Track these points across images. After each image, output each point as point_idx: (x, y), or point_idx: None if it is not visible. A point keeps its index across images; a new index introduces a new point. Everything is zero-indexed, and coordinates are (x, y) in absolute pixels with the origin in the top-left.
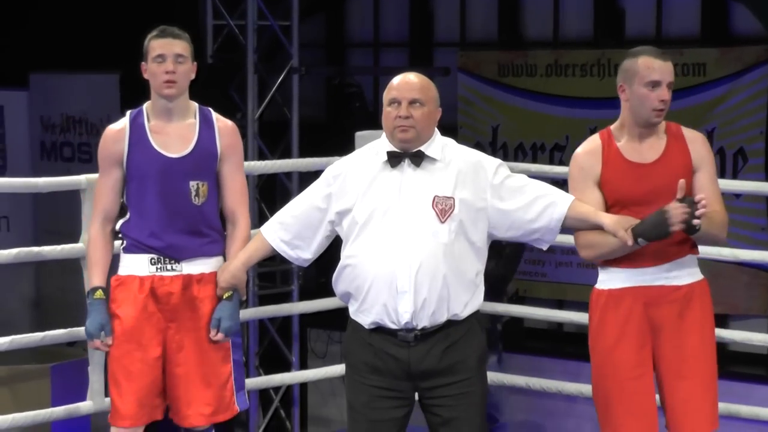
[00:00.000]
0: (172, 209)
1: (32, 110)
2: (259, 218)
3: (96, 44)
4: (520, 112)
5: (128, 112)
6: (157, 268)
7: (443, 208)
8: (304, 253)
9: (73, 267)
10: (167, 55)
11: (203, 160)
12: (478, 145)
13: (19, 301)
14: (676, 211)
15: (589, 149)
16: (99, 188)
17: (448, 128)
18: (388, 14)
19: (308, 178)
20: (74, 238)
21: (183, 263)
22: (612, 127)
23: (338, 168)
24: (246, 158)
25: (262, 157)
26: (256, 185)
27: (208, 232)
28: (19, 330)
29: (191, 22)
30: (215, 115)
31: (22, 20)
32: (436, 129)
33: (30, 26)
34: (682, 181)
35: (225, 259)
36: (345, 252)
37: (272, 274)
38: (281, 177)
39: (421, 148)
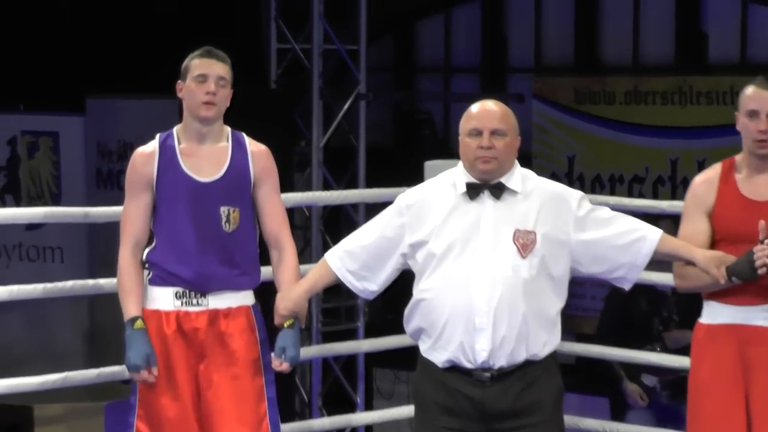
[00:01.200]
0: (202, 236)
1: (88, 136)
2: (323, 251)
3: (155, 68)
4: (597, 141)
5: (157, 135)
6: (182, 303)
7: (524, 243)
8: (370, 284)
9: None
10: (209, 76)
11: (235, 184)
12: (553, 176)
13: (73, 335)
14: (761, 252)
15: (706, 178)
16: (127, 213)
17: (522, 157)
18: (460, 38)
19: (375, 209)
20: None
21: (209, 297)
22: (737, 157)
23: (412, 197)
24: (310, 188)
25: (327, 186)
26: (320, 216)
27: (240, 262)
28: (74, 365)
29: (254, 45)
30: (248, 139)
31: (79, 42)
32: (516, 159)
33: (87, 48)
34: (762, 222)
35: (266, 292)
36: (420, 286)
37: (337, 310)
38: (347, 208)
39: (502, 180)
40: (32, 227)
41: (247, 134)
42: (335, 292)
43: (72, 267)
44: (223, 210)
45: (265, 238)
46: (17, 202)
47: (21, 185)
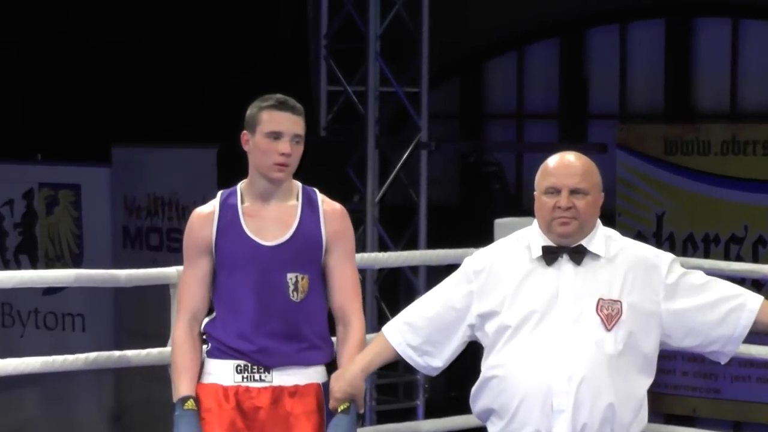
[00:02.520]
0: (266, 306)
1: (114, 190)
2: (378, 320)
3: (190, 113)
4: (690, 196)
5: (219, 193)
6: (243, 377)
7: (609, 314)
8: (434, 360)
9: (160, 375)
10: (285, 134)
11: (304, 248)
12: (639, 236)
13: (97, 414)
14: None
15: None
16: (185, 281)
17: (605, 215)
18: (535, 80)
19: (438, 273)
20: (162, 340)
21: (274, 372)
22: None
23: (480, 262)
24: (364, 249)
25: (383, 247)
26: (375, 281)
27: (308, 335)
28: None
29: (302, 87)
30: (321, 197)
31: (104, 85)
32: (598, 218)
33: (113, 92)
34: None
35: (333, 367)
36: (489, 361)
37: (393, 386)
38: (406, 272)
39: (582, 243)
40: (51, 291)
41: None
42: (392, 366)
43: (95, 336)
44: (291, 277)
45: (332, 309)
46: (33, 264)
47: (38, 244)
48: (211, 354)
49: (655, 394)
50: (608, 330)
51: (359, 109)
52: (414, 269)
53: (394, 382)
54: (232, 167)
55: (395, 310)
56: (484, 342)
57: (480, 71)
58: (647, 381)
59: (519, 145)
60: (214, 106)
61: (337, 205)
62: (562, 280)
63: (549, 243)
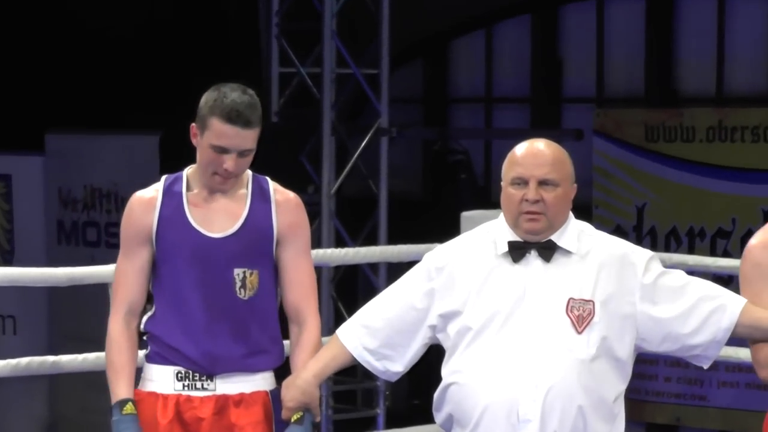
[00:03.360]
0: (210, 304)
1: (48, 181)
2: (334, 322)
3: (131, 97)
4: (673, 187)
5: (163, 178)
6: (184, 386)
7: (580, 315)
8: (394, 364)
9: (98, 381)
10: (232, 150)
11: (254, 241)
12: (618, 231)
13: (29, 425)
14: None
15: (766, 240)
16: (121, 271)
17: (580, 208)
18: (505, 61)
19: (399, 271)
20: (100, 345)
21: (217, 380)
22: None
23: (442, 258)
24: (319, 244)
25: (340, 243)
26: (331, 279)
27: (256, 337)
28: None
29: (252, 68)
30: (273, 186)
31: (40, 69)
32: (570, 211)
33: (49, 76)
34: None
35: (285, 372)
36: (450, 366)
37: (352, 394)
38: (365, 270)
39: (552, 238)
40: None
41: None
42: (350, 372)
43: (28, 340)
44: (238, 273)
45: (285, 309)
46: None
47: None
48: (151, 358)
49: (635, 401)
50: (579, 332)
51: (314, 92)
52: (374, 267)
53: (352, 389)
54: (176, 155)
55: (353, 311)
56: (445, 344)
57: (445, 52)
58: (621, 387)
59: (487, 132)
60: (157, 89)
61: (290, 195)
62: (530, 278)
63: (516, 238)
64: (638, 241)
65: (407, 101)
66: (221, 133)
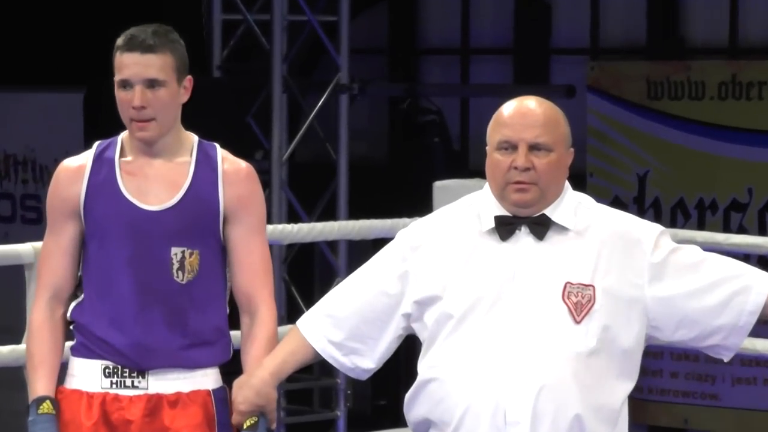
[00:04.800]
0: (143, 288)
1: None
2: (287, 309)
3: (49, 49)
4: (679, 152)
5: (96, 144)
6: (111, 383)
7: (579, 302)
8: (363, 360)
9: (13, 378)
10: (134, 81)
11: (196, 216)
12: (616, 203)
13: None
14: None
15: None
16: (46, 251)
17: (573, 176)
18: (484, 6)
19: (363, 251)
20: (15, 335)
21: (150, 377)
22: None
23: (418, 235)
24: (269, 219)
25: (293, 217)
26: (283, 260)
27: (196, 327)
28: None
29: (189, 14)
30: (222, 154)
31: None
32: (566, 181)
33: None
34: None
35: (233, 370)
36: (428, 360)
37: (307, 393)
38: (322, 248)
39: (546, 212)
40: None
41: None
42: (306, 368)
43: None
44: (176, 252)
45: (235, 296)
46: None
47: None
48: (76, 351)
49: (637, 400)
50: (577, 322)
51: (262, 42)
52: (332, 245)
53: (307, 388)
54: (104, 116)
55: (308, 296)
56: (421, 335)
57: None
58: (627, 386)
59: (463, 88)
60: (80, 39)
61: (242, 164)
62: (520, 259)
63: (504, 212)
64: (640, 214)
65: (370, 52)
66: (121, 65)
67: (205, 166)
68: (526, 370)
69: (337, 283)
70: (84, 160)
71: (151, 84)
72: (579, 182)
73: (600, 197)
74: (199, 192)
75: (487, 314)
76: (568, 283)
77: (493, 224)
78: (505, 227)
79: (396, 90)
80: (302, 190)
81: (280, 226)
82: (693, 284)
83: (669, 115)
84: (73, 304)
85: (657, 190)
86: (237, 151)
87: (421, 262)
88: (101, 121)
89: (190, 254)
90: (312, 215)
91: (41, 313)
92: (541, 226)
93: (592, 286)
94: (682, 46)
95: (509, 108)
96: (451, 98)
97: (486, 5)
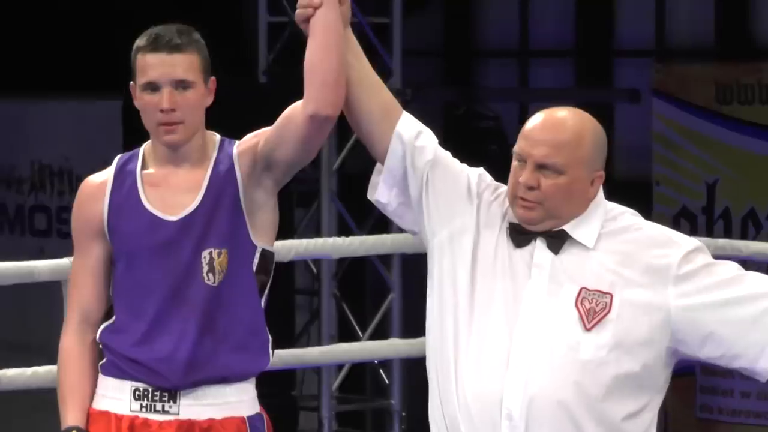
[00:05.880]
0: (178, 298)
1: None
2: (339, 326)
3: (87, 55)
4: (750, 159)
5: (117, 157)
6: (141, 406)
7: (592, 308)
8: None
9: (48, 400)
10: (161, 83)
11: (218, 212)
12: (684, 213)
13: None
14: None
15: None
16: (74, 273)
17: (639, 186)
18: (543, 7)
19: (417, 265)
20: (50, 356)
21: (182, 399)
22: None
23: (493, 185)
24: (318, 232)
25: (343, 230)
26: (333, 275)
27: (228, 329)
28: None
29: (233, 18)
30: (238, 143)
31: None
32: (600, 194)
33: None
34: None
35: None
36: (432, 362)
37: (360, 415)
38: (374, 263)
39: (566, 228)
40: None
41: None
42: (358, 388)
43: None
44: (204, 255)
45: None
46: None
47: None
48: (106, 370)
49: (706, 422)
50: (587, 329)
51: None
52: (385, 259)
53: (360, 410)
54: (143, 125)
55: (360, 313)
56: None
57: None
58: (644, 400)
59: (523, 92)
60: (119, 45)
61: (249, 136)
62: (537, 262)
63: (517, 222)
64: (709, 224)
65: (423, 55)
66: (146, 67)
67: (223, 160)
68: (523, 375)
69: (390, 300)
70: (106, 176)
71: (180, 85)
72: (645, 191)
73: (667, 207)
74: (217, 187)
75: (491, 313)
76: (584, 288)
77: (506, 231)
78: (519, 236)
79: (451, 95)
80: (353, 202)
81: (330, 240)
82: (721, 297)
83: (739, 120)
84: (102, 326)
85: (727, 199)
86: None
87: (481, 208)
88: (142, 129)
89: (219, 254)
90: (363, 228)
91: (71, 338)
92: (557, 240)
93: (610, 295)
94: (752, 47)
95: (535, 118)
96: (509, 103)
97: (546, 4)
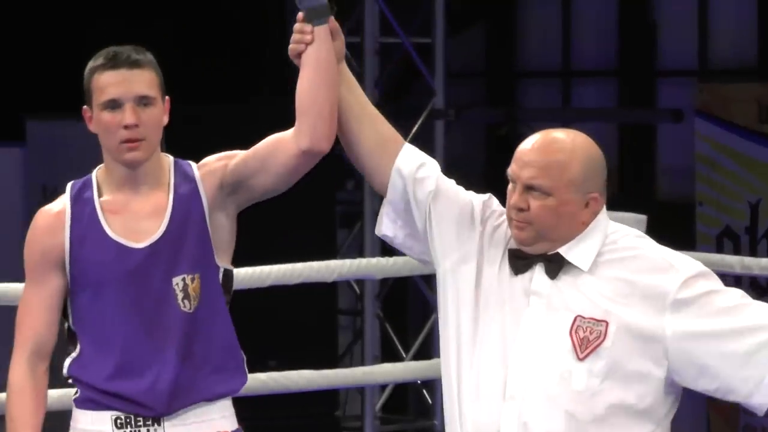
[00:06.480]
0: (151, 329)
1: (30, 177)
2: (382, 346)
3: None
4: None
5: (69, 185)
6: None
7: (586, 337)
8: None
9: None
10: (124, 99)
11: (186, 237)
12: (728, 233)
13: None
14: None
15: None
16: (25, 305)
17: (682, 206)
18: (585, 27)
19: None
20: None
21: (166, 423)
22: None
23: (498, 210)
24: (362, 253)
25: (386, 251)
26: (376, 295)
27: (205, 352)
28: None
29: (273, 37)
30: (197, 166)
31: (18, 44)
32: (603, 216)
33: (31, 52)
34: None
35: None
36: (443, 369)
37: None
38: (417, 283)
39: (560, 251)
40: None
41: None
42: (400, 408)
43: None
44: (177, 282)
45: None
46: None
47: None
48: (81, 404)
49: None
50: (580, 359)
51: (353, 65)
52: (428, 279)
53: (403, 430)
54: (186, 145)
55: (403, 333)
56: (442, 301)
57: (512, 15)
58: (646, 428)
59: (565, 112)
60: (161, 61)
61: (211, 159)
62: (533, 288)
63: (516, 246)
64: (752, 245)
65: (466, 76)
66: (106, 85)
67: (183, 183)
68: (514, 407)
69: (433, 320)
70: (61, 205)
71: (142, 101)
72: (688, 212)
73: (710, 227)
74: (182, 211)
75: (488, 342)
76: (579, 316)
77: (505, 255)
78: (519, 262)
79: (494, 115)
80: None
81: (374, 260)
82: (718, 327)
83: None
84: (68, 361)
85: None
86: (327, 181)
87: (486, 234)
88: (186, 150)
89: (192, 279)
90: None
91: (21, 371)
92: (553, 264)
93: (605, 322)
94: None
95: (528, 140)
96: (552, 123)
97: (588, 25)
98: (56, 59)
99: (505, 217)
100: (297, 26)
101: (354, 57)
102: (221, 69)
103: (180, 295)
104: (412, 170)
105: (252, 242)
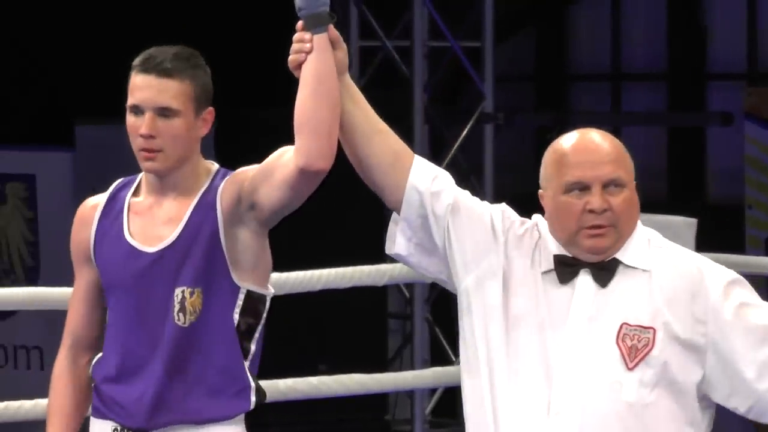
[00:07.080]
0: (150, 337)
1: (79, 181)
2: (432, 350)
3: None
4: None
5: (117, 182)
6: None
7: (634, 345)
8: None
9: None
10: (145, 107)
11: (195, 250)
12: None
13: None
14: None
15: None
16: (71, 297)
17: (730, 209)
18: (634, 32)
19: None
20: None
21: None
22: None
23: (519, 222)
24: None
25: None
26: (426, 299)
27: (198, 372)
28: None
29: None
30: (228, 176)
31: (67, 48)
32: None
33: (79, 57)
34: None
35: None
36: (471, 402)
37: None
38: None
39: (617, 256)
40: None
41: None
42: (449, 411)
43: None
44: (177, 293)
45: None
46: None
47: None
48: (94, 411)
49: None
50: (630, 369)
51: (402, 70)
52: None
53: None
54: (234, 148)
55: (452, 336)
56: (464, 320)
57: (562, 19)
58: None
59: (615, 116)
60: (211, 67)
61: (239, 171)
62: (577, 300)
63: (564, 252)
64: None
65: (516, 80)
66: (134, 88)
67: (209, 193)
68: (566, 421)
69: None
70: (98, 200)
71: (162, 112)
72: (737, 215)
73: (759, 230)
74: (197, 221)
75: (531, 353)
76: (625, 324)
77: (552, 266)
78: (566, 269)
79: (543, 119)
80: None
81: None
82: (755, 343)
83: None
84: (93, 361)
85: None
86: None
87: (508, 249)
88: (237, 155)
89: (191, 293)
90: None
91: (62, 362)
92: (606, 272)
93: (653, 329)
94: None
95: (572, 143)
96: (602, 127)
97: (638, 28)
98: (105, 63)
99: (527, 225)
100: (296, 35)
101: (403, 61)
102: (276, 71)
103: (176, 308)
104: (427, 184)
105: (302, 245)
